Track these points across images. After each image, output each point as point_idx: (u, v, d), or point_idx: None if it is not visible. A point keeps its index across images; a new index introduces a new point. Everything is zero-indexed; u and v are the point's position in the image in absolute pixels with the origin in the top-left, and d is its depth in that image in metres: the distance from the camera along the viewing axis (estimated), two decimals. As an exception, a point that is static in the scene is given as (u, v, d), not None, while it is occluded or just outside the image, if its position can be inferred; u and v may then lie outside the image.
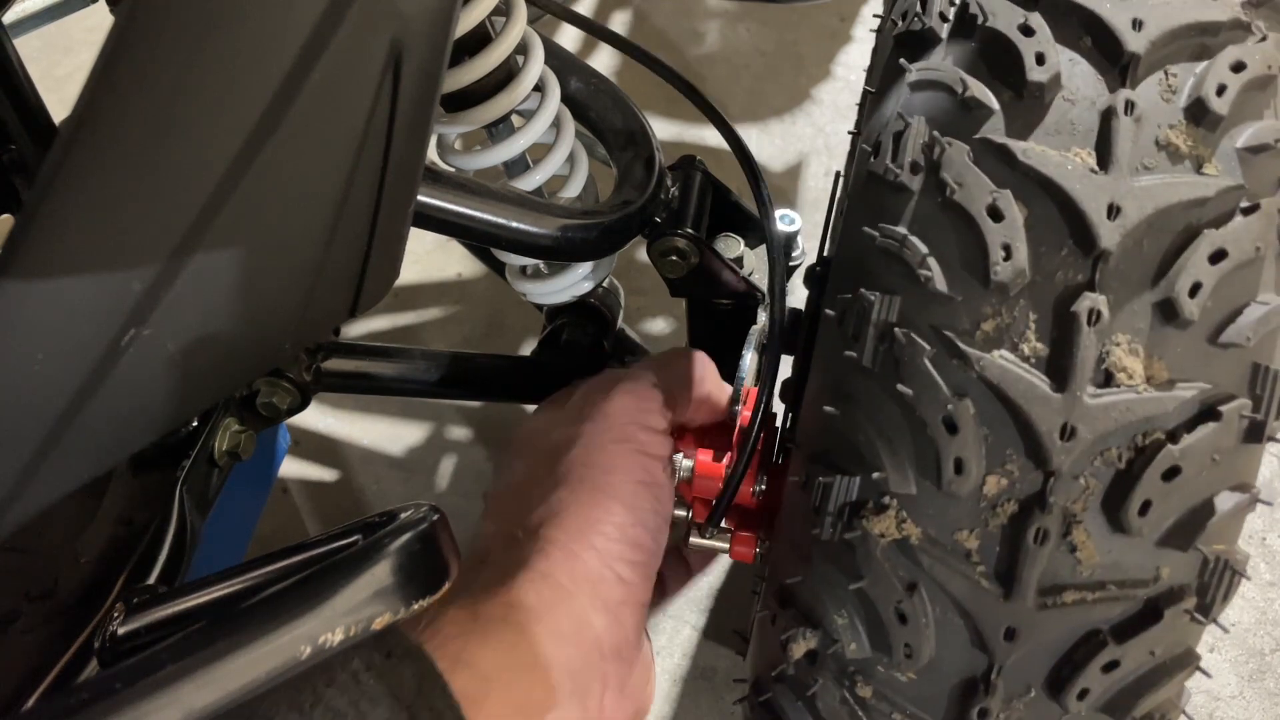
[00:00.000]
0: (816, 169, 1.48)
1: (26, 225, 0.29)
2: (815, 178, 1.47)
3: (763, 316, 0.75)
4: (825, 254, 0.75)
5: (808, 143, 1.52)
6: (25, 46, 0.72)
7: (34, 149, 0.67)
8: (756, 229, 0.76)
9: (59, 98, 0.67)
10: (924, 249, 0.46)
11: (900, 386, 0.45)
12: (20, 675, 0.50)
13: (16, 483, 0.34)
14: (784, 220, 0.77)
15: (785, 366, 0.66)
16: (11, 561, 0.53)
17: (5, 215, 0.70)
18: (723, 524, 0.63)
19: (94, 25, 1.48)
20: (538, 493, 0.58)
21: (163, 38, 0.29)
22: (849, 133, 0.68)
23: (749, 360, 0.75)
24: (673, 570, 0.70)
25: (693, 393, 0.65)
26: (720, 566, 1.09)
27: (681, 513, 0.64)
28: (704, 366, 0.67)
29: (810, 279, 0.65)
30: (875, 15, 0.69)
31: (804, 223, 0.79)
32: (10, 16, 0.93)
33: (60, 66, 1.59)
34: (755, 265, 0.75)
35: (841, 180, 0.79)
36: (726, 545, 0.64)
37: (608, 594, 0.54)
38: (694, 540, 0.64)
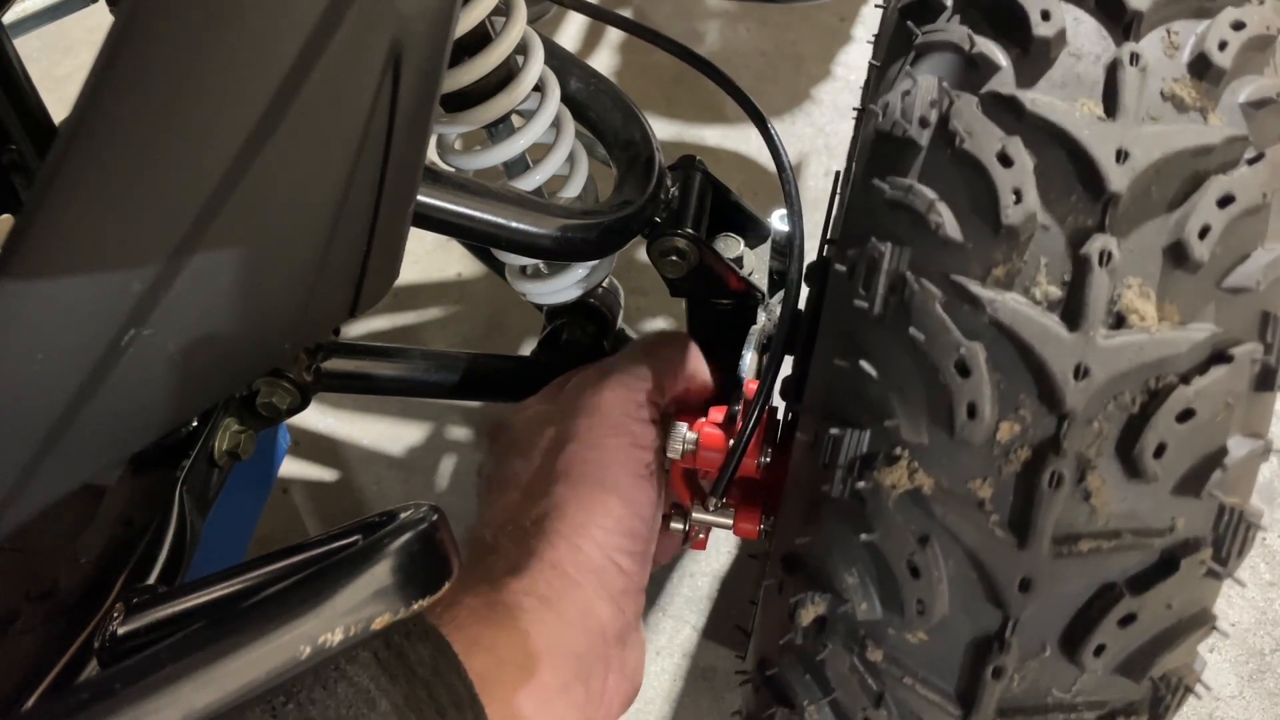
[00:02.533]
0: (816, 169, 1.48)
1: (26, 225, 0.29)
2: (815, 178, 1.47)
3: (762, 316, 0.75)
4: (825, 253, 0.74)
5: (808, 143, 1.52)
6: (25, 46, 0.72)
7: (34, 149, 0.68)
8: (756, 229, 0.76)
9: (59, 98, 0.67)
10: (932, 195, 0.46)
11: (912, 330, 0.45)
12: (20, 675, 0.50)
13: (17, 482, 0.34)
14: (784, 220, 0.77)
15: (784, 368, 0.66)
16: (11, 561, 0.53)
17: (5, 215, 0.70)
18: (725, 501, 0.63)
19: (94, 25, 1.48)
20: (540, 487, 0.60)
21: (162, 38, 0.29)
22: (854, 109, 0.68)
23: (749, 360, 0.75)
24: (662, 540, 0.71)
25: (679, 375, 0.67)
26: (720, 564, 1.09)
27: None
28: (688, 349, 0.70)
29: (811, 276, 0.65)
30: (877, 5, 0.69)
31: (804, 222, 0.79)
32: (10, 16, 0.94)
33: (60, 66, 1.59)
34: (755, 265, 0.75)
35: (842, 174, 0.79)
36: (730, 521, 0.64)
37: (611, 583, 0.57)
38: (697, 515, 0.65)
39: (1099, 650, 0.45)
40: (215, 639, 0.38)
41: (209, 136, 0.33)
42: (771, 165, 1.47)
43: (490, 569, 0.55)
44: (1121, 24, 0.46)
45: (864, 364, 0.47)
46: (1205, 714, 0.99)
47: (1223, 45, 0.45)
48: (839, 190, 0.78)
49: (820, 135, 1.53)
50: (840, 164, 1.33)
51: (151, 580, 0.60)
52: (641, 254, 0.71)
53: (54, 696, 0.50)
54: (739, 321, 0.75)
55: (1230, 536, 0.45)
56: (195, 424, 0.69)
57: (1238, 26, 0.46)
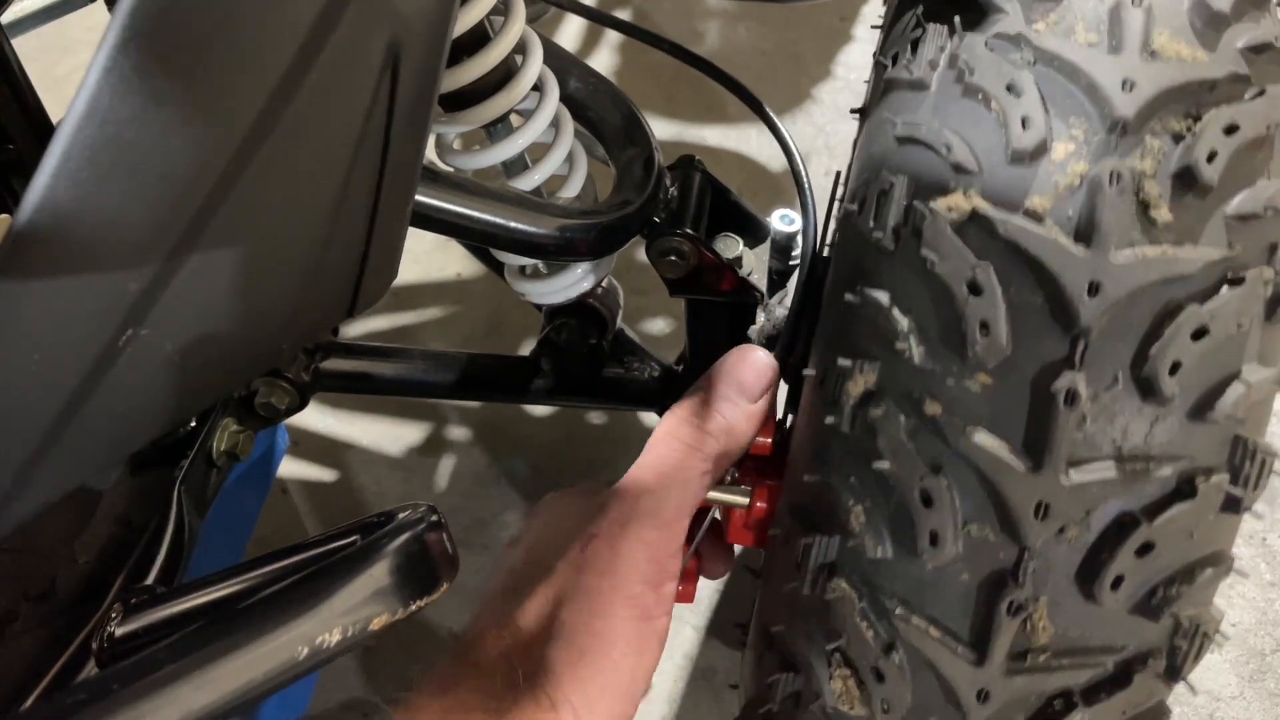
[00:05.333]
0: (816, 169, 1.47)
1: (24, 225, 0.29)
2: (815, 178, 1.45)
3: (762, 316, 0.75)
4: (826, 254, 0.74)
5: (808, 143, 1.52)
6: (24, 46, 0.72)
7: (33, 149, 0.67)
8: (755, 229, 0.76)
9: (58, 98, 0.67)
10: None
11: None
12: (18, 675, 0.50)
13: (15, 482, 0.34)
14: (783, 220, 0.77)
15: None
16: (10, 561, 0.53)
17: (3, 215, 0.70)
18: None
19: (93, 25, 1.48)
20: (537, 630, 0.55)
21: (160, 38, 0.29)
22: (854, 111, 0.68)
23: (748, 360, 0.75)
24: (714, 554, 0.69)
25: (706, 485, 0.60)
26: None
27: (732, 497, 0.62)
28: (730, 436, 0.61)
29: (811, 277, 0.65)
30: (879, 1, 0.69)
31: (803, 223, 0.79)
32: (10, 16, 0.93)
33: (59, 66, 1.59)
34: (754, 265, 0.75)
35: (843, 173, 0.79)
36: (746, 500, 0.62)
37: None
38: (713, 494, 0.62)
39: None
40: (213, 639, 0.38)
41: (206, 136, 0.33)
42: (771, 165, 1.47)
43: (467, 684, 0.52)
44: None
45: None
46: (1206, 714, 0.99)
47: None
48: (838, 190, 0.78)
49: (820, 135, 1.53)
50: (840, 164, 1.33)
51: (150, 580, 0.60)
52: (641, 254, 0.71)
53: (52, 696, 0.50)
54: (738, 322, 0.75)
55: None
56: (194, 424, 0.69)
57: None
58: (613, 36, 1.69)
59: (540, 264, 0.75)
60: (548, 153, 0.68)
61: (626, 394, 0.83)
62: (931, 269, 0.46)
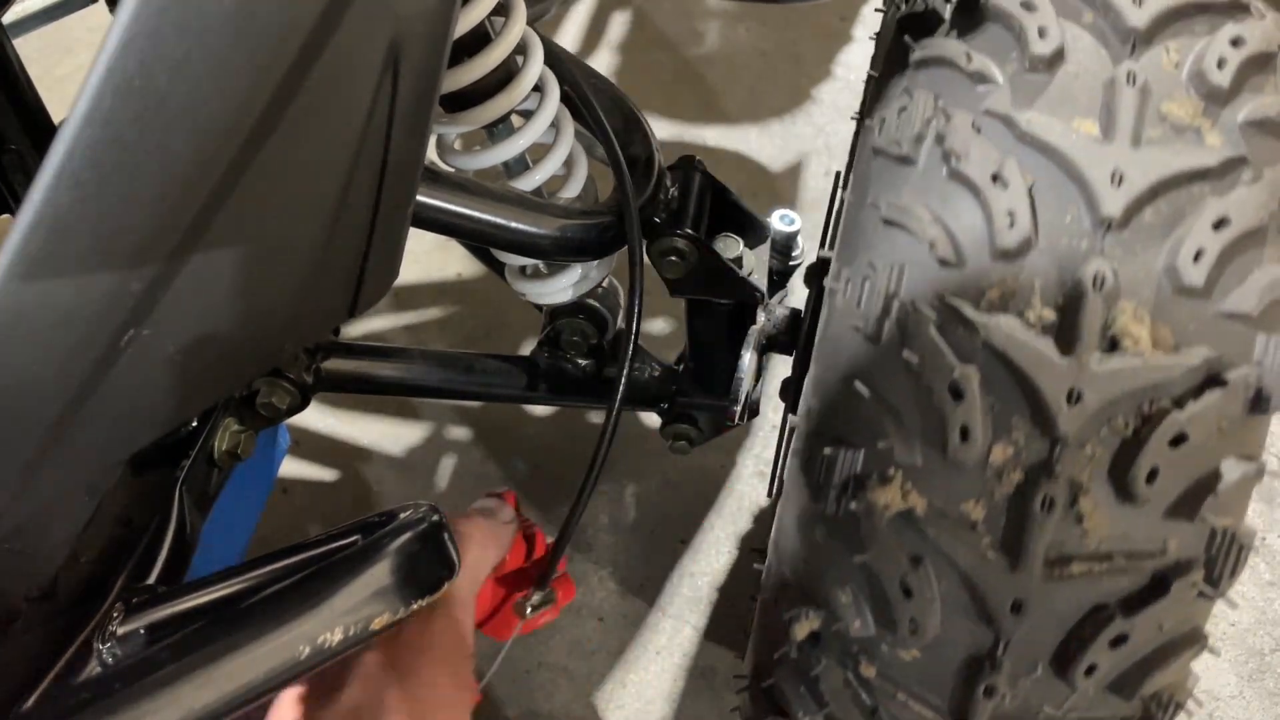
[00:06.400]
0: (816, 169, 1.47)
1: (25, 225, 0.29)
2: (815, 178, 1.46)
3: (762, 316, 0.75)
4: (825, 254, 0.75)
5: (808, 142, 1.52)
6: (25, 46, 0.72)
7: (34, 149, 0.67)
8: (756, 229, 0.76)
9: (59, 98, 0.67)
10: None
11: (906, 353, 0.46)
12: (20, 675, 0.50)
13: (17, 481, 0.34)
14: (784, 220, 0.77)
15: (784, 367, 0.66)
16: (11, 562, 0.53)
17: (4, 215, 0.70)
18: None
19: (94, 25, 1.48)
20: None
21: (160, 39, 0.29)
22: (853, 117, 0.68)
23: (748, 360, 0.75)
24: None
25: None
26: (720, 564, 1.09)
27: None
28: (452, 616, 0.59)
29: (810, 278, 0.65)
30: (877, 10, 0.69)
31: (804, 223, 0.79)
32: (10, 16, 0.93)
33: (60, 66, 1.59)
34: (754, 265, 0.75)
35: (842, 174, 0.79)
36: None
37: None
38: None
39: (1090, 670, 0.46)
40: (214, 639, 0.38)
41: (207, 137, 0.33)
42: (771, 165, 1.47)
43: None
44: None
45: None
46: (1206, 714, 0.99)
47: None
48: (839, 191, 0.78)
49: (820, 135, 1.53)
50: (840, 164, 1.33)
51: (151, 580, 0.59)
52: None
53: (54, 696, 0.50)
54: (738, 321, 0.75)
55: (1223, 558, 0.46)
56: (195, 424, 0.69)
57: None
58: (613, 36, 1.69)
59: (540, 264, 0.75)
60: (548, 153, 0.69)
61: (626, 394, 0.82)
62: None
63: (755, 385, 0.80)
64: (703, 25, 1.74)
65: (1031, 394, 0.44)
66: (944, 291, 0.45)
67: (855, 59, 1.66)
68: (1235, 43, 0.46)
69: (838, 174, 0.79)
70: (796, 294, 0.79)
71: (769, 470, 1.15)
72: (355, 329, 1.31)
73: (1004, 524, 0.45)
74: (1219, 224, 0.44)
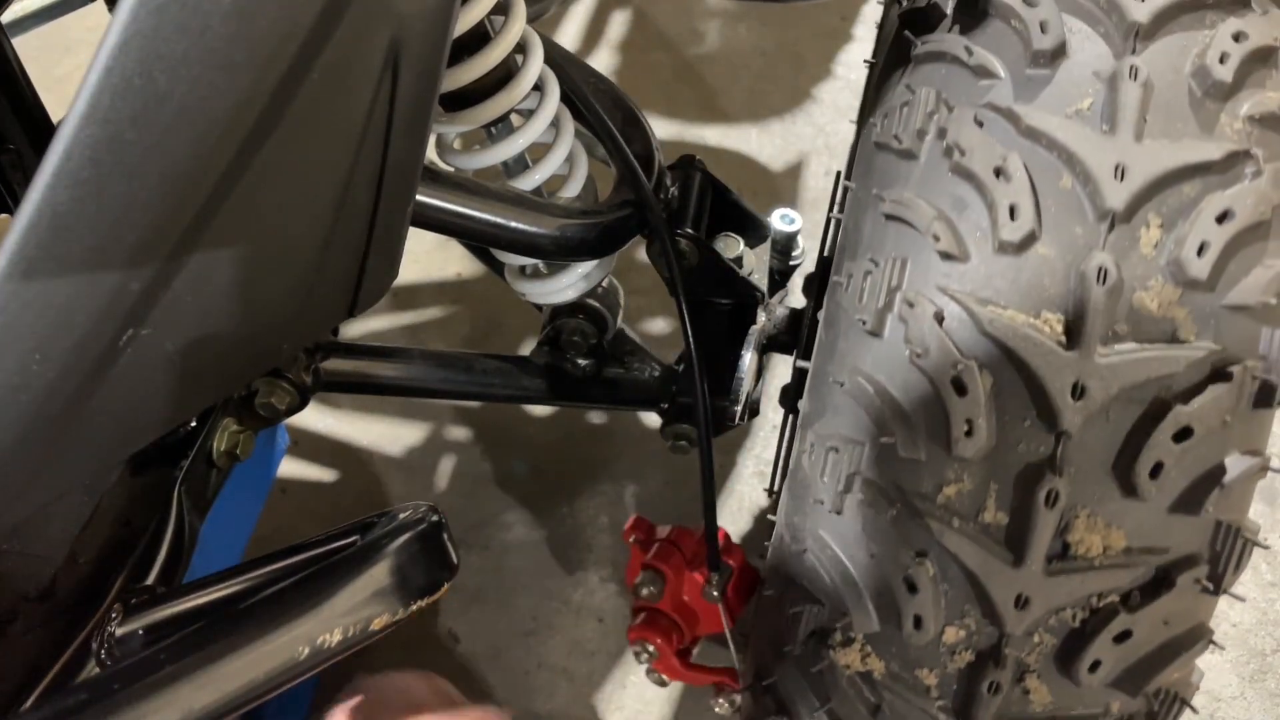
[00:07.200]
0: (816, 169, 1.47)
1: (24, 225, 0.29)
2: (815, 178, 1.46)
3: (762, 316, 0.75)
4: (825, 255, 0.74)
5: (808, 142, 1.52)
6: (24, 46, 0.72)
7: (33, 148, 0.67)
8: (756, 228, 0.75)
9: (58, 98, 0.67)
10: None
11: None
12: (19, 675, 0.50)
13: (16, 481, 0.34)
14: (784, 220, 0.77)
15: (785, 370, 0.66)
16: (10, 562, 0.53)
17: (3, 215, 0.70)
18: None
19: (93, 25, 1.48)
20: None
21: (159, 38, 0.29)
22: (852, 120, 0.68)
23: (749, 360, 0.75)
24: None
25: None
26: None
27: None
28: None
29: (809, 286, 0.65)
30: (879, 1, 0.69)
31: (804, 222, 0.79)
32: (10, 16, 0.93)
33: (59, 66, 1.59)
34: (755, 265, 0.75)
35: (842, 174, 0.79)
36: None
37: None
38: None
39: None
40: (214, 640, 0.37)
41: (206, 136, 0.33)
42: (771, 165, 1.47)
43: None
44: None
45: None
46: (1206, 714, 0.99)
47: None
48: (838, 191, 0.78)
49: (820, 135, 1.53)
50: (840, 163, 1.33)
51: (150, 581, 0.59)
52: (641, 254, 0.71)
53: (53, 696, 0.49)
54: (739, 321, 0.75)
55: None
56: (194, 424, 0.69)
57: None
58: (613, 36, 1.69)
59: (540, 264, 0.74)
60: (548, 153, 0.68)
61: (626, 394, 0.82)
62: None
63: (755, 385, 0.80)
64: (703, 25, 1.74)
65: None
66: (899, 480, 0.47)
67: (855, 59, 1.66)
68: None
69: (838, 173, 0.79)
70: (796, 294, 0.79)
71: (769, 470, 1.14)
72: (355, 329, 1.31)
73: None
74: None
